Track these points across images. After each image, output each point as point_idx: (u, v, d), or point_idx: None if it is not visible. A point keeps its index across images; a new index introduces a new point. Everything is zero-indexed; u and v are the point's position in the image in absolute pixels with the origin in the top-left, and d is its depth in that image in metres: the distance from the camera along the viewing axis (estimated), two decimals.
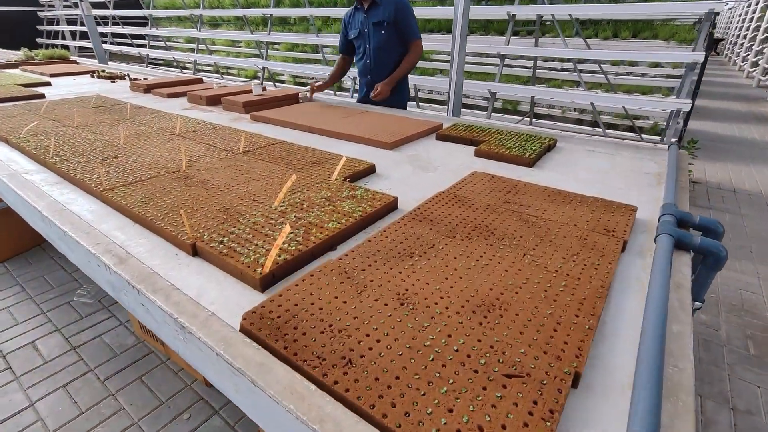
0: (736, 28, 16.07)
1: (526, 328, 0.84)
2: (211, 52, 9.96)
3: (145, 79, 4.66)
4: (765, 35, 11.28)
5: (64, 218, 1.31)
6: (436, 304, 0.91)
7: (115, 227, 1.32)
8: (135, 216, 1.34)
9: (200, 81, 4.26)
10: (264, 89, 3.38)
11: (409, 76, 3.24)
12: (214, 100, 3.27)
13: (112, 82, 4.53)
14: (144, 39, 11.06)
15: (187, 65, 11.22)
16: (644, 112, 4.75)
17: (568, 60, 5.65)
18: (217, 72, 9.48)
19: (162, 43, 10.80)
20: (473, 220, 1.30)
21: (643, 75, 5.73)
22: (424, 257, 1.09)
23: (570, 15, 4.12)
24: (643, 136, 5.12)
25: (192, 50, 10.78)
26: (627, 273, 1.10)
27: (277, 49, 9.31)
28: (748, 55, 12.92)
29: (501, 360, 0.76)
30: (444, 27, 7.60)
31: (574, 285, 0.98)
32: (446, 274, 1.02)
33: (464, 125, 2.45)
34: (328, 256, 1.16)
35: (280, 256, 1.05)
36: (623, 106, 4.43)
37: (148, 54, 9.53)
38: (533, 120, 5.58)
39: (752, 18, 13.04)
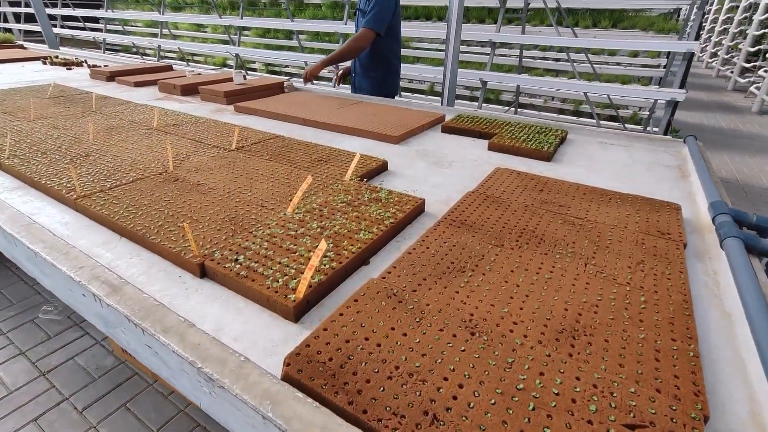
0: None
1: (623, 358, 0.72)
2: (175, 37, 9.34)
3: (105, 66, 4.25)
4: (723, 27, 11.78)
5: (33, 235, 1.08)
6: (511, 331, 0.78)
7: (97, 243, 1.10)
8: (122, 229, 1.12)
9: (170, 68, 3.91)
10: (244, 77, 3.11)
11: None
12: (189, 90, 2.98)
13: (67, 69, 4.09)
14: (98, 22, 10.25)
15: (148, 51, 10.51)
16: (626, 102, 4.80)
17: (550, 48, 5.62)
18: (182, 59, 8.91)
19: (119, 27, 10.03)
20: (516, 224, 1.17)
21: (618, 64, 5.79)
22: (478, 272, 0.95)
23: (557, 2, 4.05)
24: (626, 125, 5.18)
25: (153, 35, 10.09)
26: (693, 280, 1.01)
27: (247, 35, 8.84)
28: (707, 45, 13.49)
29: (613, 404, 0.63)
30: (421, 14, 7.42)
31: (654, 301, 0.87)
32: (509, 292, 0.88)
33: (469, 116, 2.31)
34: (364, 274, 1.00)
35: (314, 278, 0.88)
36: (608, 96, 4.43)
37: (105, 39, 8.80)
38: (518, 110, 5.54)
39: (710, 10, 13.59)
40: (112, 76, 3.44)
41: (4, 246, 1.19)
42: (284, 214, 1.18)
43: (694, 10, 3.24)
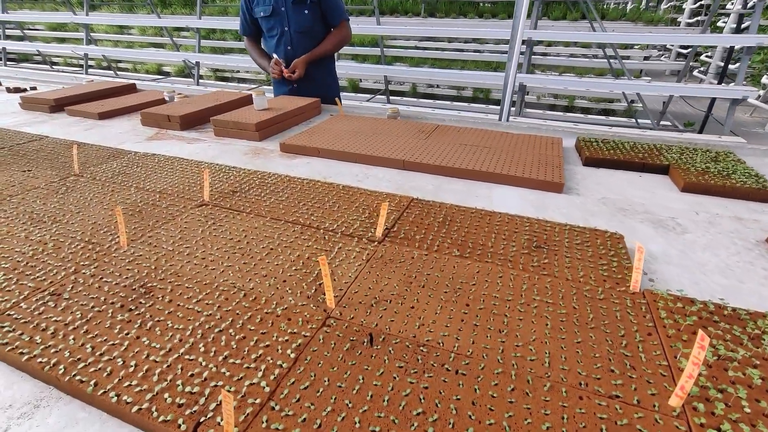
0: None
1: None
2: (93, 41, 7.83)
3: (33, 88, 3.18)
4: None
5: None
6: None
7: None
8: None
9: (133, 88, 2.98)
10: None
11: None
12: (192, 121, 2.18)
13: None
14: None
15: (56, 60, 8.78)
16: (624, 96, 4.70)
17: (537, 43, 5.38)
18: (108, 68, 7.51)
19: (17, 32, 8.22)
20: None
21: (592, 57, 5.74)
22: None
23: None
24: (617, 119, 5.10)
25: (59, 40, 8.41)
26: None
27: (186, 36, 7.66)
28: None
29: None
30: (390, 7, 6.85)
31: None
32: None
33: (600, 141, 1.84)
34: None
35: None
36: (623, 92, 4.25)
37: (4, 48, 7.07)
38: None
39: None
40: (58, 106, 2.48)
41: None
42: (676, 414, 0.60)
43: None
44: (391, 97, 5.83)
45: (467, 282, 0.91)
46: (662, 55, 8.89)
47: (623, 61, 3.84)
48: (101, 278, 0.90)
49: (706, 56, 8.46)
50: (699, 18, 9.48)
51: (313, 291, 0.88)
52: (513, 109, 4.69)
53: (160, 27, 7.61)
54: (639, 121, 4.51)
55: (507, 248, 1.04)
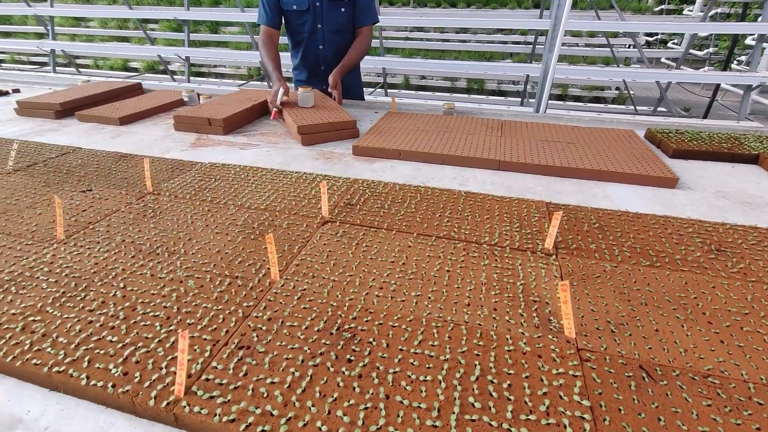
0: None
1: None
2: (47, 35, 7.12)
3: (16, 90, 2.80)
4: None
5: None
6: None
7: None
8: None
9: (139, 88, 2.69)
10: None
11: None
12: (233, 124, 1.98)
13: None
14: None
15: (1, 57, 7.94)
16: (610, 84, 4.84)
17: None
18: (67, 64, 6.87)
19: None
20: None
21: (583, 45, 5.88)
22: None
23: None
24: (614, 106, 5.25)
25: (5, 34, 7.59)
26: None
27: (154, 29, 7.13)
28: None
29: None
30: None
31: None
32: None
33: (675, 131, 1.83)
34: None
35: None
36: (624, 80, 4.35)
37: None
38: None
39: None
40: (66, 111, 2.19)
41: None
42: None
43: None
44: (388, 90, 5.69)
45: (685, 295, 0.84)
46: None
47: (642, 49, 3.93)
48: (282, 322, 0.76)
49: (673, 43, 8.89)
50: (663, 6, 9.97)
51: (535, 318, 0.78)
52: (529, 100, 4.72)
53: (124, 19, 7.06)
54: (637, 108, 4.65)
55: (689, 253, 0.98)
